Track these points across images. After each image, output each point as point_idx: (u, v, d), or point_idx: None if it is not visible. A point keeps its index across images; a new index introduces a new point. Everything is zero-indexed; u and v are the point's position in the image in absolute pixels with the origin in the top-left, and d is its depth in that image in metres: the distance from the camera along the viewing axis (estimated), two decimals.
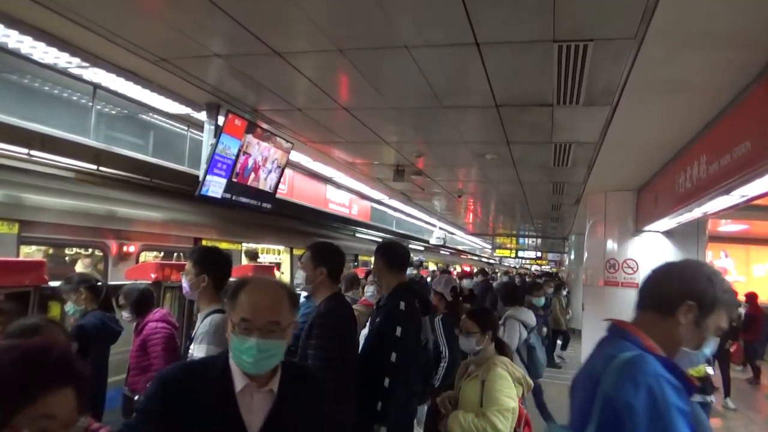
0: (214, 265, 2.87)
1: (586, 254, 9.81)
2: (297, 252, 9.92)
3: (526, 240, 25.24)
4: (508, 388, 2.88)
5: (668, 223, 7.54)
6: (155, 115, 6.18)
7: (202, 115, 5.65)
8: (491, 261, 39.59)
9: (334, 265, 2.95)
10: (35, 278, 3.79)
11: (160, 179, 6.53)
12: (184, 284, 2.90)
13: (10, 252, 4.74)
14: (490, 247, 30.60)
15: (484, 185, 9.68)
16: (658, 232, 8.31)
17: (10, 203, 4.82)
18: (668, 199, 6.45)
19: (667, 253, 8.29)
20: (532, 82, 4.37)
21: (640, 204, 8.48)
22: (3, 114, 4.57)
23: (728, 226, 12.85)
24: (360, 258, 13.34)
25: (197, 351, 2.69)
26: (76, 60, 4.29)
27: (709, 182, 4.77)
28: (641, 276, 8.14)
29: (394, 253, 3.38)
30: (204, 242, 7.62)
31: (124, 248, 6.30)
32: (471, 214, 15.15)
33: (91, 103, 5.22)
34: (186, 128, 6.62)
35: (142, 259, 6.69)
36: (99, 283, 3.72)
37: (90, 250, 6.55)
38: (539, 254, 29.00)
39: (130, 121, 6.19)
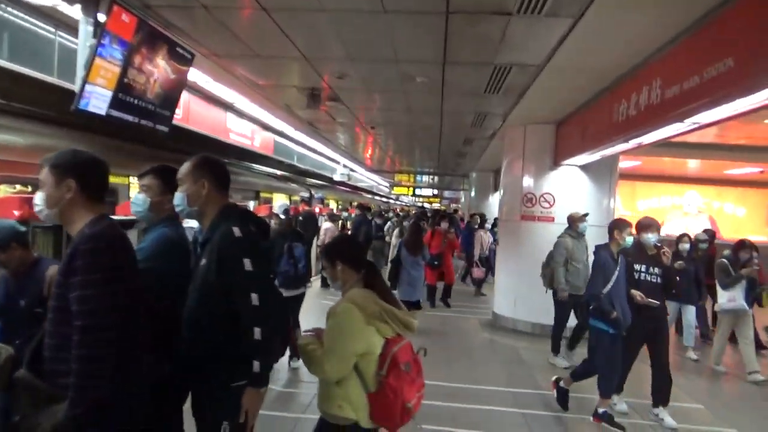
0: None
1: (502, 190, 9.65)
2: None
3: (424, 177, 25.29)
4: (347, 326, 2.46)
5: (588, 157, 7.44)
6: (9, 8, 4.80)
7: (76, 11, 4.44)
8: (385, 199, 39.73)
9: (89, 177, 2.08)
10: None
11: (22, 93, 5.18)
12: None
13: None
14: (387, 185, 30.61)
15: (402, 115, 9.02)
16: (575, 166, 8.24)
17: None
18: (601, 129, 6.22)
19: (583, 186, 8.30)
20: None
21: (560, 138, 8.33)
22: None
23: (621, 163, 13.34)
24: (262, 195, 12.36)
25: None
26: None
27: (666, 107, 4.48)
28: (557, 210, 8.27)
29: (223, 170, 2.61)
30: None
31: None
32: (377, 148, 14.54)
33: None
34: (53, 30, 5.27)
35: (0, 193, 5.41)
36: None
37: None
38: (436, 192, 29.44)
39: None
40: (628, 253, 5.01)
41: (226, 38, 5.23)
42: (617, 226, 4.96)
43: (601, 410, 4.84)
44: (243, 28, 4.99)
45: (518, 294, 8.59)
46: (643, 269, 4.98)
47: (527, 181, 8.65)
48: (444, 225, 10.12)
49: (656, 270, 4.96)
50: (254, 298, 2.26)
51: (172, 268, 2.49)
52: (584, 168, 8.23)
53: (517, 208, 8.71)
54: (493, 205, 16.93)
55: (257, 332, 2.24)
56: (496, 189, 17.16)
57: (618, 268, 4.77)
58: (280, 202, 6.49)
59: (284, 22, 4.73)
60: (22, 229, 2.95)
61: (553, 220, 8.34)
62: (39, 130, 5.51)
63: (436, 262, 9.73)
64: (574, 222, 6.73)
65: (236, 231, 2.34)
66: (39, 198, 2.05)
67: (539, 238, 8.36)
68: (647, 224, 5.02)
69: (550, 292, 6.83)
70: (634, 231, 5.03)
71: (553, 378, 5.38)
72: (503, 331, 8.44)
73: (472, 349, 7.41)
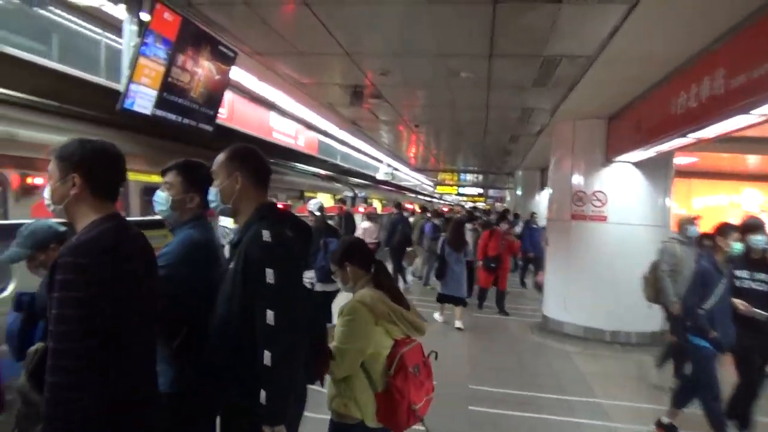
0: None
1: (550, 188, 9.34)
2: None
3: (467, 176, 24.93)
4: (354, 325, 2.47)
5: (643, 153, 7.09)
6: (59, 10, 4.90)
7: (120, 11, 4.48)
8: (428, 198, 39.43)
9: (96, 172, 1.82)
10: None
11: (72, 94, 5.28)
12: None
13: None
14: (431, 184, 30.36)
15: (447, 111, 8.85)
16: (629, 162, 7.88)
17: None
18: (658, 124, 5.90)
19: (637, 184, 7.95)
20: None
21: (612, 133, 7.98)
22: None
23: (676, 159, 12.74)
24: (306, 195, 12.40)
25: None
26: None
27: (731, 98, 4.17)
28: (610, 209, 7.92)
29: (260, 163, 2.29)
30: (130, 174, 6.48)
31: (29, 180, 5.13)
32: (421, 146, 14.38)
33: None
34: (100, 31, 5.36)
35: None
36: None
37: None
38: (481, 191, 29.01)
39: (25, 19, 4.89)
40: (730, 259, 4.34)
41: (268, 35, 5.19)
42: (721, 231, 4.29)
43: (666, 421, 4.51)
44: (284, 24, 4.95)
45: (568, 296, 8.29)
46: (745, 275, 4.32)
47: (577, 179, 8.33)
48: (504, 226, 9.85)
49: (763, 276, 4.29)
50: (270, 315, 1.95)
51: (197, 274, 2.28)
52: (638, 165, 7.86)
53: (566, 206, 8.41)
54: (540, 203, 16.52)
55: (267, 357, 1.93)
56: (542, 187, 16.74)
57: (724, 281, 4.16)
58: (314, 200, 6.58)
59: (326, 17, 4.65)
60: (62, 229, 2.90)
61: (605, 219, 8.01)
62: (88, 131, 5.61)
63: (492, 264, 9.45)
64: (683, 225, 5.87)
65: (265, 234, 2.03)
66: (47, 192, 1.83)
67: (591, 237, 8.07)
68: (754, 225, 4.39)
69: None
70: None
71: (655, 422, 4.64)
72: (554, 335, 8.14)
73: (521, 353, 7.18)
